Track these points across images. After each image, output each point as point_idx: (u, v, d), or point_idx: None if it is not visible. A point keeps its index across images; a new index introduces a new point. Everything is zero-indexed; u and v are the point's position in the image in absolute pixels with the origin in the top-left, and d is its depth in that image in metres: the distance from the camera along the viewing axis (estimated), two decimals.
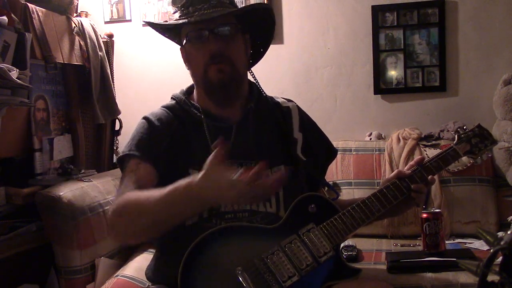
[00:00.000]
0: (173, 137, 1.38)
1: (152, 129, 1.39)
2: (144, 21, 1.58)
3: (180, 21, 1.35)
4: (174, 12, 1.42)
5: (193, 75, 1.42)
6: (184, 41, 1.39)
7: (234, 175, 1.06)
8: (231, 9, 1.36)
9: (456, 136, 1.49)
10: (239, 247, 1.24)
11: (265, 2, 2.58)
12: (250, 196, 1.09)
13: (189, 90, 1.50)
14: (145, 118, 1.43)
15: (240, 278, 1.15)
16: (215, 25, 1.33)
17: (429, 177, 1.39)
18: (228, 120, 1.41)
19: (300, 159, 1.42)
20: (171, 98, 1.49)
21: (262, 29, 1.49)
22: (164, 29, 1.47)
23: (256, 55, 1.52)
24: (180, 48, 1.45)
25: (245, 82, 1.45)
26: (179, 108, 1.44)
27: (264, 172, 1.08)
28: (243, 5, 2.53)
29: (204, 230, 1.23)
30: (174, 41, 1.49)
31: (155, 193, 1.17)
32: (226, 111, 1.41)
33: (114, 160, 2.42)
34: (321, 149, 1.55)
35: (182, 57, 1.45)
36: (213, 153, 1.10)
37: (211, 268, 1.19)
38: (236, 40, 1.38)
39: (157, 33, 1.49)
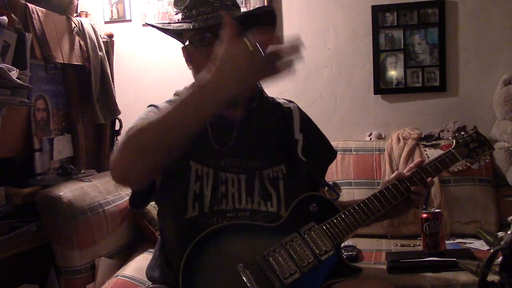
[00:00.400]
0: None
1: None
2: (146, 23, 1.56)
3: (184, 27, 1.34)
4: (177, 13, 1.41)
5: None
6: (187, 42, 1.39)
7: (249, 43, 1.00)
8: (235, 13, 1.35)
9: (454, 140, 1.50)
10: (240, 245, 1.23)
11: (266, 3, 2.58)
12: (270, 66, 1.01)
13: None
14: (152, 105, 1.42)
15: (242, 275, 1.15)
16: (219, 29, 1.33)
17: (428, 179, 1.40)
18: (231, 118, 1.41)
19: (301, 159, 1.42)
20: (174, 94, 1.49)
21: (263, 26, 1.49)
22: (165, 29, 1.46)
23: None
24: (182, 48, 1.45)
25: None
26: None
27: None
28: (244, 5, 2.54)
29: (204, 226, 1.23)
30: (176, 39, 1.49)
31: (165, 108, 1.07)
32: (228, 110, 1.41)
33: None
34: (321, 150, 1.55)
35: (184, 56, 1.45)
36: (224, 29, 1.06)
37: (213, 266, 1.19)
38: None
39: (157, 33, 1.48)
